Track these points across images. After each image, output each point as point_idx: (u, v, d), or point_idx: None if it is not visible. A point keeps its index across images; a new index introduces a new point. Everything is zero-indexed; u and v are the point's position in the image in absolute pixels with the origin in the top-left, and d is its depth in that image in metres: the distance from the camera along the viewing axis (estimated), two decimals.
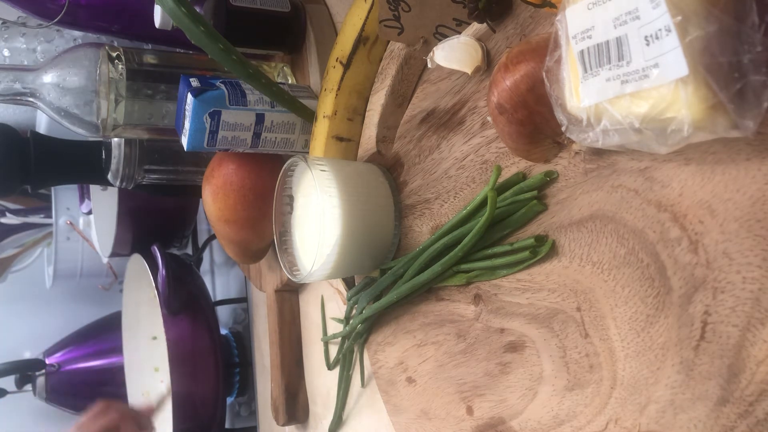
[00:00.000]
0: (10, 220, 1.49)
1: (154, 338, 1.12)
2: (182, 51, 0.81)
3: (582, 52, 0.34)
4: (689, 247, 0.34)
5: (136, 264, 1.03)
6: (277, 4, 0.74)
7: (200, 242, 1.21)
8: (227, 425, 1.08)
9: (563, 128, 0.36)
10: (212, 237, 1.12)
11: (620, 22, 0.31)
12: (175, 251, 1.16)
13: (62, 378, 1.24)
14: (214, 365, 0.96)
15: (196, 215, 1.16)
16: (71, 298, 1.51)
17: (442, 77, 0.53)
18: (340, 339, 0.64)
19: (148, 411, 0.96)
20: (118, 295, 1.18)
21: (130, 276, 1.10)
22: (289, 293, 0.81)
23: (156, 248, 0.96)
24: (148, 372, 1.13)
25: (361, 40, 0.59)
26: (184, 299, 0.95)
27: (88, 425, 0.87)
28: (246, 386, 1.04)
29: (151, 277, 0.94)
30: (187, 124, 0.63)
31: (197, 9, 0.61)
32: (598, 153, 0.39)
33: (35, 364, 1.25)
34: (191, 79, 0.64)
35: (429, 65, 0.49)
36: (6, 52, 0.98)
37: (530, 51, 0.40)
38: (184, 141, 0.64)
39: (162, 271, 0.94)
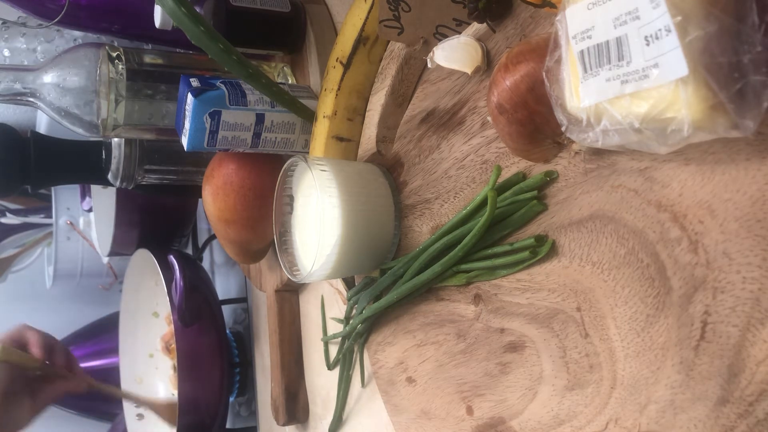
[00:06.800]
0: (10, 220, 1.49)
1: (155, 314, 1.12)
2: (182, 51, 0.81)
3: (582, 52, 0.34)
4: (689, 247, 0.34)
5: (142, 257, 1.02)
6: (277, 4, 0.74)
7: (200, 242, 1.20)
8: (228, 425, 1.08)
9: (563, 128, 0.36)
10: (212, 237, 1.12)
11: (620, 22, 0.31)
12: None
13: None
14: (220, 368, 0.95)
15: (196, 215, 1.15)
16: (71, 298, 1.51)
17: (442, 77, 0.53)
18: (340, 339, 0.64)
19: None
20: (118, 295, 1.18)
21: (133, 268, 1.09)
22: (289, 293, 0.81)
23: (173, 258, 0.93)
24: (143, 357, 1.13)
25: (361, 40, 0.59)
26: (197, 309, 0.94)
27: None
28: (246, 386, 1.04)
29: (162, 278, 0.93)
30: (187, 124, 0.63)
31: (197, 9, 0.61)
32: (598, 153, 0.39)
33: None
34: (191, 79, 0.64)
35: (429, 65, 0.49)
36: (6, 52, 0.98)
37: (530, 51, 0.40)
38: (184, 141, 0.64)
39: (180, 283, 0.91)
